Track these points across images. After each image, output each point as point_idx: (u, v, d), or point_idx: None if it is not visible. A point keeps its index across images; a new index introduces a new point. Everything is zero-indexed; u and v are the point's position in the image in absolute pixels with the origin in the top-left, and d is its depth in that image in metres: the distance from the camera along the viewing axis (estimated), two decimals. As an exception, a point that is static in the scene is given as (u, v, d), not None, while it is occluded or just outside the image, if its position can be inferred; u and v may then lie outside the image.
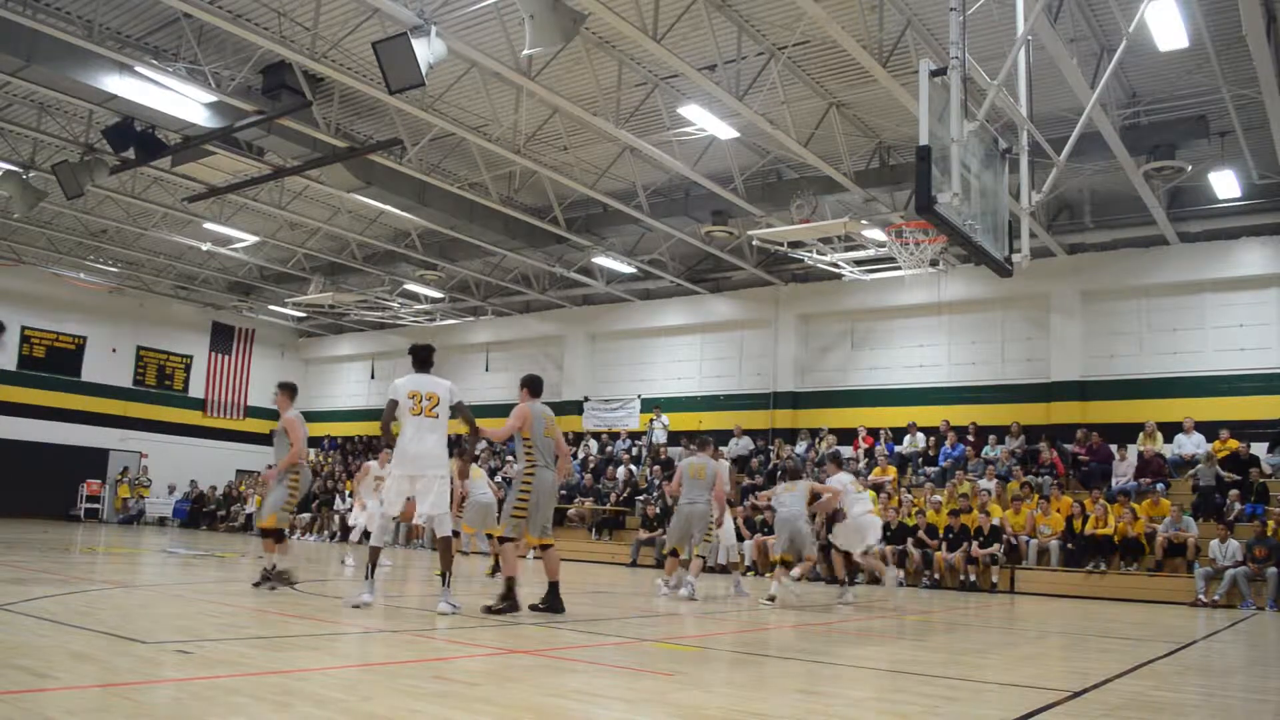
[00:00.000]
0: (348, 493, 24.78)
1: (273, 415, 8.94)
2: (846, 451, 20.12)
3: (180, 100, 14.04)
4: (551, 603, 7.97)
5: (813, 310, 22.65)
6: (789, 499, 10.67)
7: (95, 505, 27.68)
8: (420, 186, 17.93)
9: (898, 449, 19.72)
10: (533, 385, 8.27)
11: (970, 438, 19.00)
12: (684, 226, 19.33)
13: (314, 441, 31.18)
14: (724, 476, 11.14)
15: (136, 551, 15.80)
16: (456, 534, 12.37)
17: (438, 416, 7.71)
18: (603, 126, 14.53)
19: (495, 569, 12.37)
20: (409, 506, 7.81)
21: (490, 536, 12.49)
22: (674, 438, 22.53)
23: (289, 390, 9.49)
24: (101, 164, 16.50)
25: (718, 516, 11.06)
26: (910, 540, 15.89)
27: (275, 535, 9.19)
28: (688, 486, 10.80)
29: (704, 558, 11.03)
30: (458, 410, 7.84)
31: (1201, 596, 13.46)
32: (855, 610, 10.54)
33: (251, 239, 22.45)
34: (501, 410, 31.33)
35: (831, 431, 20.91)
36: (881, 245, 17.48)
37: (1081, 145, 10.45)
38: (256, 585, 9.01)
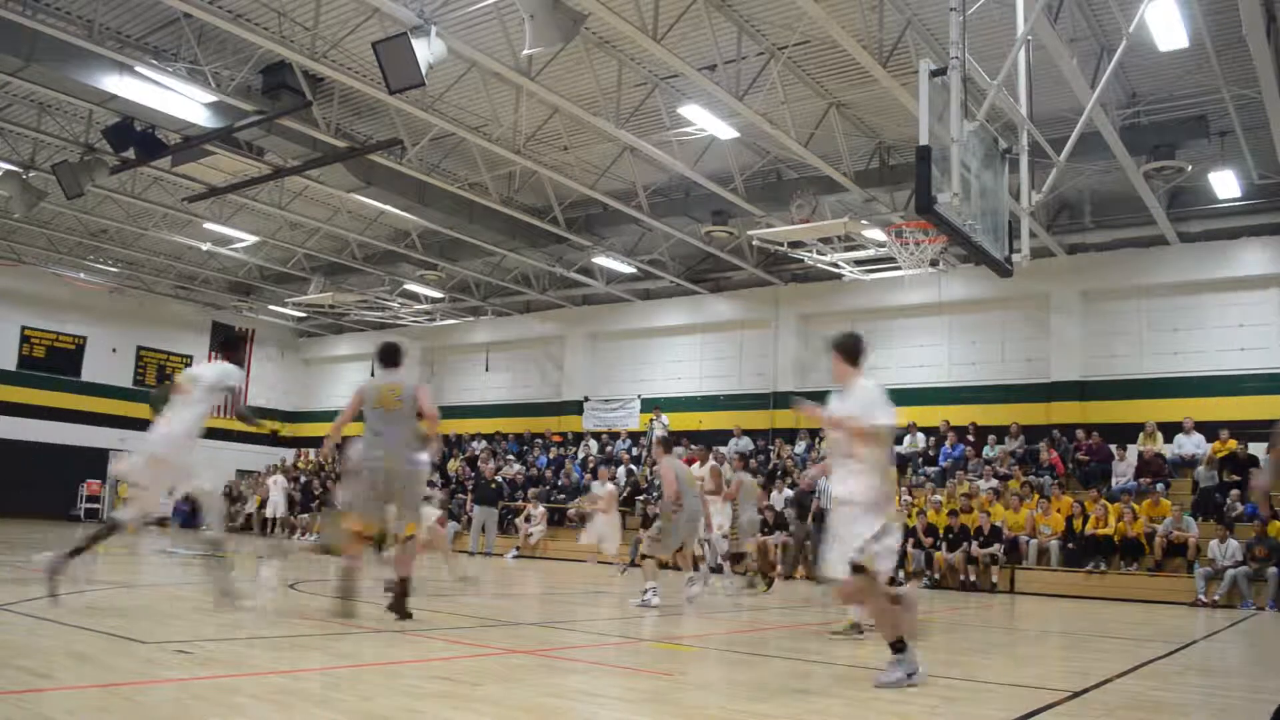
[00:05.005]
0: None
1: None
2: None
3: (180, 100, 14.03)
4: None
5: (813, 310, 22.63)
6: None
7: (95, 505, 27.62)
8: (420, 186, 17.92)
9: (898, 449, 19.71)
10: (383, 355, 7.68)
11: (970, 438, 19.00)
12: (684, 226, 19.32)
13: (314, 442, 31.25)
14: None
15: (136, 551, 15.78)
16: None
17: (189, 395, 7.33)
18: (603, 126, 14.53)
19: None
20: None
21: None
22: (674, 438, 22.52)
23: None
24: (101, 164, 16.49)
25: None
26: (910, 540, 15.90)
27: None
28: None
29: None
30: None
31: (1201, 596, 13.46)
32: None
33: (251, 239, 22.44)
34: (499, 410, 31.12)
35: (831, 431, 20.89)
36: (881, 245, 17.47)
37: (1081, 145, 10.44)
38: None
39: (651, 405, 23.87)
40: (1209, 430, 16.80)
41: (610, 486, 12.82)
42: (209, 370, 7.57)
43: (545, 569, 16.82)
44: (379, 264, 24.10)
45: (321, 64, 12.92)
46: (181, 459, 7.13)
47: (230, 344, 8.29)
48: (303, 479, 26.11)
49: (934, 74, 7.08)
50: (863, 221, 16.94)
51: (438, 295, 25.69)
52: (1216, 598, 13.37)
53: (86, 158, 16.39)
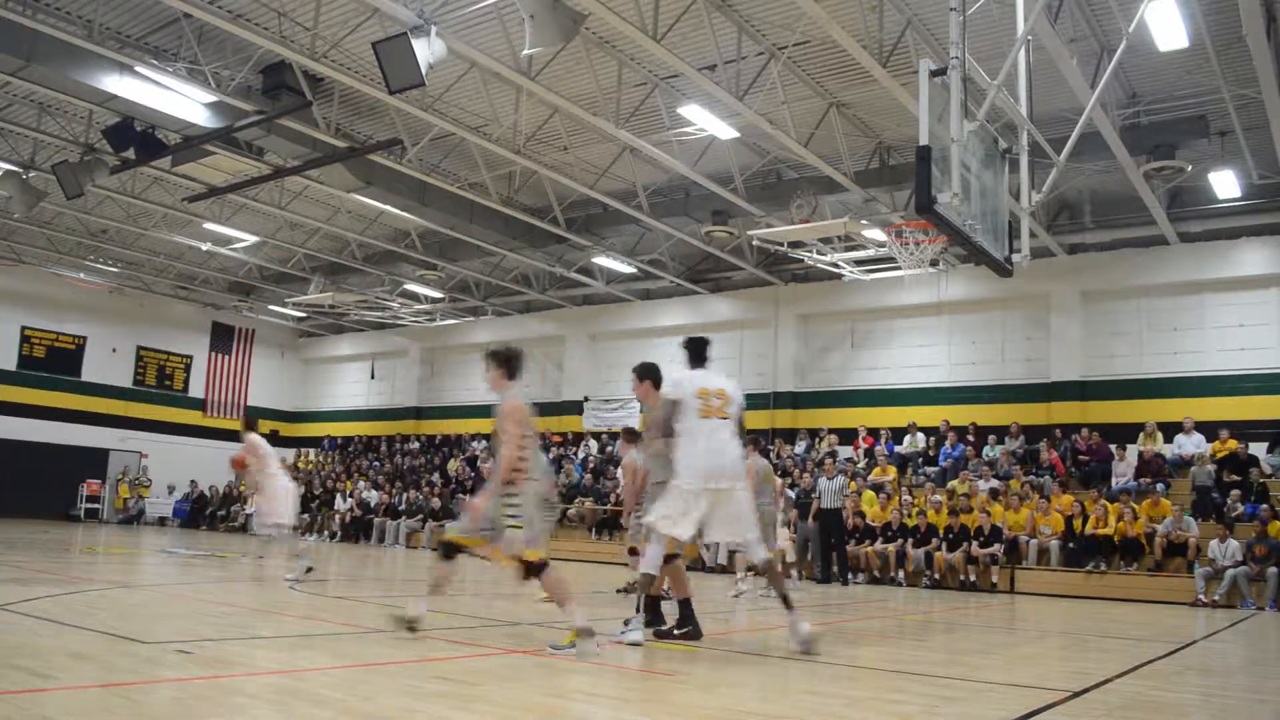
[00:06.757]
0: (347, 492, 24.82)
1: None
2: (846, 451, 20.13)
3: (180, 100, 14.04)
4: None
5: (813, 310, 22.64)
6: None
7: (95, 505, 27.68)
8: (420, 186, 17.93)
9: (898, 449, 19.71)
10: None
11: (970, 438, 19.01)
12: (684, 226, 19.33)
13: (314, 442, 31.28)
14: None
15: (136, 551, 15.80)
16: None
17: (729, 418, 6.60)
18: (603, 126, 14.53)
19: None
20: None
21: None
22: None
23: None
24: (101, 164, 16.50)
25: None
26: (910, 540, 15.91)
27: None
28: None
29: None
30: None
31: (1201, 596, 13.46)
32: (855, 609, 10.54)
33: (251, 239, 22.46)
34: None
35: (832, 431, 20.91)
36: (881, 245, 17.47)
37: (1081, 145, 10.45)
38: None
39: (652, 405, 23.84)
40: (1209, 430, 16.80)
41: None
42: (733, 386, 6.82)
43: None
44: (379, 264, 24.11)
45: (321, 64, 12.92)
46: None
47: (696, 347, 7.11)
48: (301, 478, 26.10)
49: (934, 74, 7.08)
50: (863, 221, 16.94)
51: (438, 295, 25.69)
52: (1216, 598, 13.37)
53: (86, 158, 16.39)
